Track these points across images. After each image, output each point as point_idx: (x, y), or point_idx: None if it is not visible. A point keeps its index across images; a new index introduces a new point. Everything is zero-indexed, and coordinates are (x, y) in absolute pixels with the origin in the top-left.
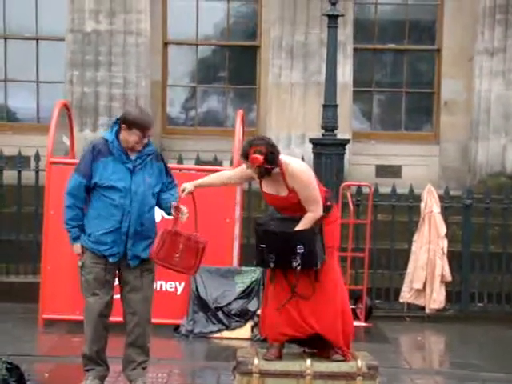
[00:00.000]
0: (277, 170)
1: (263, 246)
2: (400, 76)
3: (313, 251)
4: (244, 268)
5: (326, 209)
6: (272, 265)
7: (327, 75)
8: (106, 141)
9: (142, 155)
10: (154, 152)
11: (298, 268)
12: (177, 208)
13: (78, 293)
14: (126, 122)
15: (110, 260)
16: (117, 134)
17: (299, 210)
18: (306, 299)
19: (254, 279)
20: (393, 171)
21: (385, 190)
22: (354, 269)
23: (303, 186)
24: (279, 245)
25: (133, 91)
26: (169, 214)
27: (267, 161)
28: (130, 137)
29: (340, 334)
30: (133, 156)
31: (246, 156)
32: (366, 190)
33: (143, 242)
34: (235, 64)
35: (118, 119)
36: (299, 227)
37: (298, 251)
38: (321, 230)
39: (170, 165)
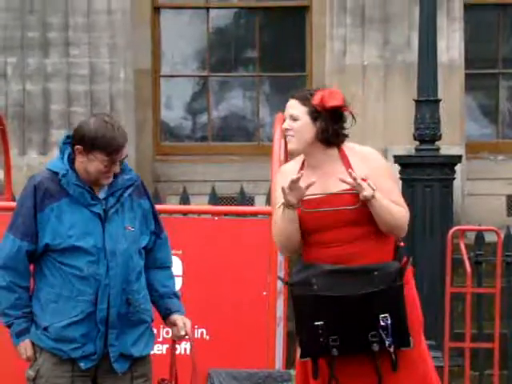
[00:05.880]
0: (334, 151)
1: (319, 323)
2: None
3: (403, 320)
4: (293, 371)
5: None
6: (336, 352)
7: (421, 51)
8: (56, 174)
9: (117, 189)
10: (134, 182)
11: (390, 349)
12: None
13: None
14: (82, 142)
15: (82, 365)
16: (71, 160)
17: (361, 236)
18: None
19: None
20: None
21: None
22: (475, 369)
23: (384, 171)
24: (349, 317)
25: (105, 87)
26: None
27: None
28: (89, 165)
29: None
30: (101, 193)
31: (306, 96)
32: (491, 238)
33: (133, 331)
34: (270, 37)
35: (68, 137)
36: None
37: (382, 323)
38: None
39: (169, 205)
